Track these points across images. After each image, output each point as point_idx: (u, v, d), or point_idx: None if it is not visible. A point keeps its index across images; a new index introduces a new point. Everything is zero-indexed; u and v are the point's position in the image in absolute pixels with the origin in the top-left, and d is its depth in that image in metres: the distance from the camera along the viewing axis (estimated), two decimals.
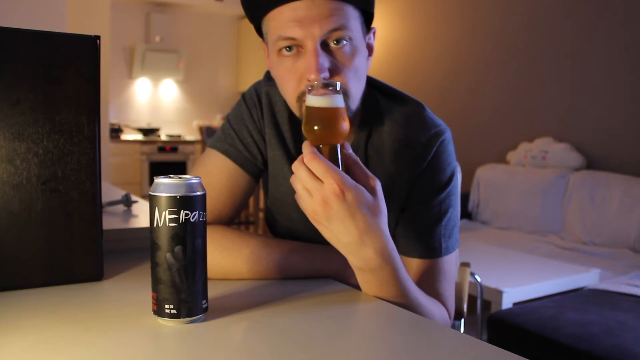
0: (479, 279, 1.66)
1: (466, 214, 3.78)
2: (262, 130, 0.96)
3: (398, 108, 0.93)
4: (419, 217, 0.90)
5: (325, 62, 0.78)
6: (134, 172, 6.05)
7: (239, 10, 6.75)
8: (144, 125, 6.45)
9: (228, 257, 0.84)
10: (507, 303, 2.09)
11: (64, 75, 0.76)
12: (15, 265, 0.76)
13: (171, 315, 0.64)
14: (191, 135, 6.70)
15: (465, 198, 3.77)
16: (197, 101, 6.94)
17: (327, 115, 0.71)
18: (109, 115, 5.56)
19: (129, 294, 0.78)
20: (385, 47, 5.05)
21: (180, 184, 0.63)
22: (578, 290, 2.27)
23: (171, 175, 0.65)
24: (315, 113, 0.71)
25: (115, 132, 6.03)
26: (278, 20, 0.79)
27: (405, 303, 0.77)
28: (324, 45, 0.79)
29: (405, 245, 0.90)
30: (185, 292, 0.64)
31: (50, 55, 0.76)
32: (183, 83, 6.83)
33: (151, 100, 6.71)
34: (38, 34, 0.75)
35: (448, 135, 0.92)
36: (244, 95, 1.00)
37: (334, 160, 0.70)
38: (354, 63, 0.81)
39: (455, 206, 0.93)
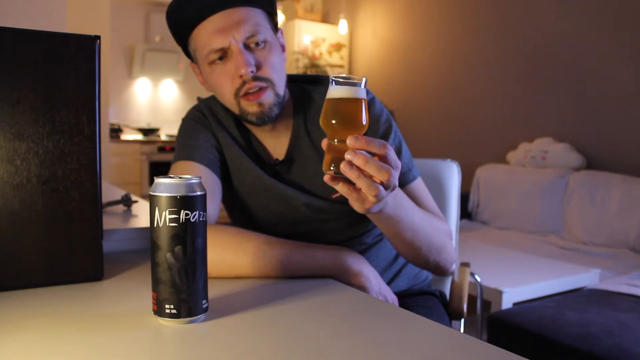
0: (479, 279, 1.66)
1: (466, 214, 3.78)
2: (215, 135, 1.05)
3: (322, 86, 1.07)
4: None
5: (250, 58, 0.93)
6: (134, 172, 6.05)
7: None
8: (144, 125, 6.45)
9: (231, 253, 0.85)
10: (507, 303, 2.09)
11: (64, 75, 0.76)
12: (15, 265, 0.76)
13: (171, 315, 0.64)
14: None
15: (465, 198, 3.77)
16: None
17: (350, 107, 0.70)
18: (109, 115, 5.56)
19: (129, 294, 0.78)
20: (386, 47, 5.05)
21: (180, 184, 0.63)
22: (578, 290, 2.27)
23: (171, 175, 0.65)
24: (337, 105, 0.70)
25: (115, 132, 6.03)
26: (203, 35, 0.94)
27: (420, 220, 0.90)
28: (245, 47, 0.93)
29: None
30: (186, 292, 0.64)
31: (50, 55, 0.76)
32: (183, 83, 6.83)
33: (151, 100, 6.71)
34: (38, 34, 0.75)
35: (372, 94, 1.04)
36: (184, 118, 1.10)
37: None
38: (272, 57, 0.96)
39: (403, 140, 1.04)
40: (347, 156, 0.68)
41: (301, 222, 1.03)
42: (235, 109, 0.98)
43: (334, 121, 0.70)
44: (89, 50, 0.78)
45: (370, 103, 1.01)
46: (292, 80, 1.09)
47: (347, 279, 0.86)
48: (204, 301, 0.66)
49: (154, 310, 0.65)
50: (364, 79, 0.71)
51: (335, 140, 0.71)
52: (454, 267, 1.05)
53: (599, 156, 3.32)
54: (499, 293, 2.09)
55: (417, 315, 0.71)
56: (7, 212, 0.75)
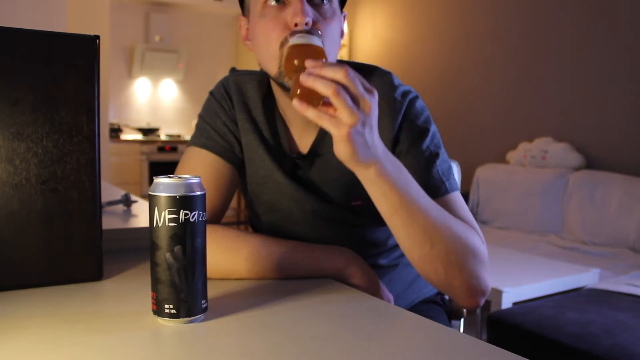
0: None
1: None
2: (234, 119, 0.98)
3: (370, 77, 0.97)
4: (414, 164, 0.90)
5: (309, 10, 0.83)
6: (134, 172, 6.05)
7: (239, 10, 6.74)
8: (144, 125, 6.45)
9: (227, 256, 0.84)
10: (506, 303, 2.09)
11: (63, 75, 0.76)
12: (15, 265, 0.76)
13: (171, 315, 0.64)
14: (191, 135, 6.69)
15: (465, 198, 3.74)
16: (197, 101, 6.93)
17: (309, 52, 0.75)
18: (109, 115, 5.56)
19: (129, 294, 0.78)
20: (385, 46, 5.05)
21: (179, 183, 0.63)
22: (578, 290, 2.27)
23: (171, 175, 0.65)
24: (297, 50, 0.76)
25: (115, 131, 6.03)
26: None
27: (430, 206, 0.79)
28: (308, 1, 0.85)
29: None
30: (185, 292, 0.64)
31: (50, 55, 0.76)
32: (183, 83, 6.83)
33: (151, 100, 6.71)
34: (38, 34, 0.75)
35: (415, 93, 0.98)
36: (211, 92, 1.03)
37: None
38: (333, 23, 0.87)
39: (442, 147, 0.94)
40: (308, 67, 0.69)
41: (309, 230, 0.98)
42: (275, 62, 0.86)
43: (296, 62, 0.74)
44: (89, 50, 0.78)
45: (411, 103, 0.95)
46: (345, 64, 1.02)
47: (344, 279, 0.86)
48: (203, 301, 0.66)
49: (153, 310, 0.65)
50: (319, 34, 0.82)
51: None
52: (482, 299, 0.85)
53: (599, 156, 3.32)
54: (499, 293, 2.09)
55: (417, 315, 0.71)
56: (7, 212, 0.75)
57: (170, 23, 6.53)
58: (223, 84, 1.02)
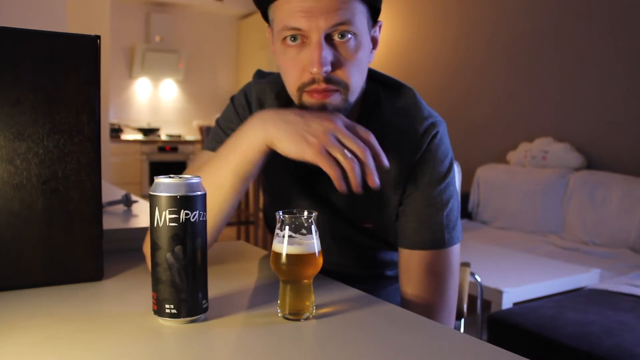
0: (479, 279, 1.66)
1: (466, 214, 3.78)
2: None
3: (395, 98, 0.94)
4: (420, 207, 0.90)
5: (328, 55, 0.79)
6: (134, 172, 6.05)
7: (239, 10, 6.75)
8: (144, 125, 6.46)
9: (211, 173, 0.82)
10: (507, 303, 2.09)
11: (64, 75, 0.76)
12: (16, 265, 0.76)
13: (171, 315, 0.64)
14: (191, 135, 6.70)
15: (465, 198, 3.77)
16: (197, 101, 6.94)
17: (301, 260, 0.68)
18: (109, 115, 5.56)
19: (129, 293, 0.78)
20: (386, 46, 5.05)
21: (180, 183, 0.63)
22: (578, 290, 2.27)
23: (171, 175, 0.65)
24: (287, 257, 0.67)
25: (115, 132, 6.04)
26: (285, 10, 0.80)
27: None
28: (328, 39, 0.80)
29: (407, 237, 0.90)
30: (186, 292, 0.64)
31: (50, 55, 0.76)
32: (183, 83, 6.84)
33: (151, 100, 6.71)
34: (38, 34, 0.75)
35: (443, 126, 0.93)
36: (232, 98, 1.02)
37: (307, 292, 0.68)
38: (357, 57, 0.82)
39: (455, 197, 0.92)
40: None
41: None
42: (295, 100, 0.86)
43: (285, 268, 0.68)
44: (89, 50, 0.78)
45: (435, 144, 0.90)
46: (372, 77, 0.96)
47: (274, 145, 0.78)
48: (204, 301, 0.66)
49: (154, 310, 0.65)
50: (313, 227, 0.68)
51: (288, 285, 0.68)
52: None
53: (599, 156, 3.32)
54: (499, 293, 2.09)
55: (417, 315, 0.71)
56: (7, 212, 0.75)
57: (170, 23, 6.54)
58: (245, 91, 1.00)
